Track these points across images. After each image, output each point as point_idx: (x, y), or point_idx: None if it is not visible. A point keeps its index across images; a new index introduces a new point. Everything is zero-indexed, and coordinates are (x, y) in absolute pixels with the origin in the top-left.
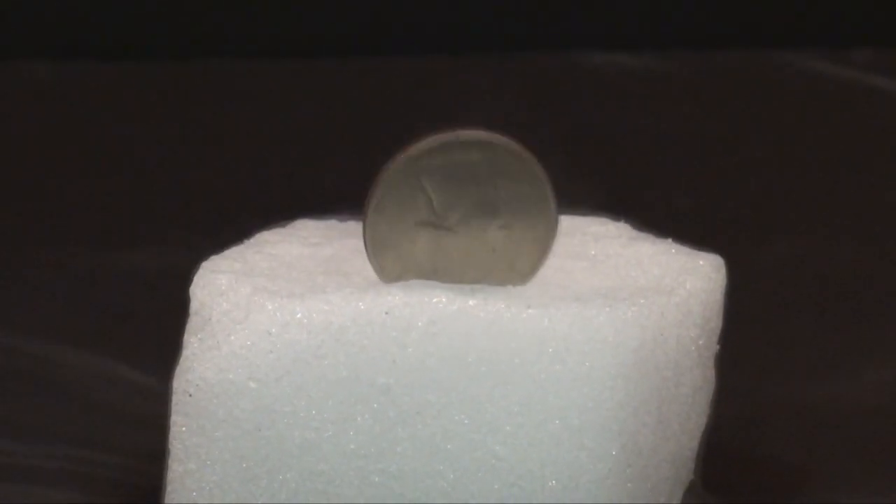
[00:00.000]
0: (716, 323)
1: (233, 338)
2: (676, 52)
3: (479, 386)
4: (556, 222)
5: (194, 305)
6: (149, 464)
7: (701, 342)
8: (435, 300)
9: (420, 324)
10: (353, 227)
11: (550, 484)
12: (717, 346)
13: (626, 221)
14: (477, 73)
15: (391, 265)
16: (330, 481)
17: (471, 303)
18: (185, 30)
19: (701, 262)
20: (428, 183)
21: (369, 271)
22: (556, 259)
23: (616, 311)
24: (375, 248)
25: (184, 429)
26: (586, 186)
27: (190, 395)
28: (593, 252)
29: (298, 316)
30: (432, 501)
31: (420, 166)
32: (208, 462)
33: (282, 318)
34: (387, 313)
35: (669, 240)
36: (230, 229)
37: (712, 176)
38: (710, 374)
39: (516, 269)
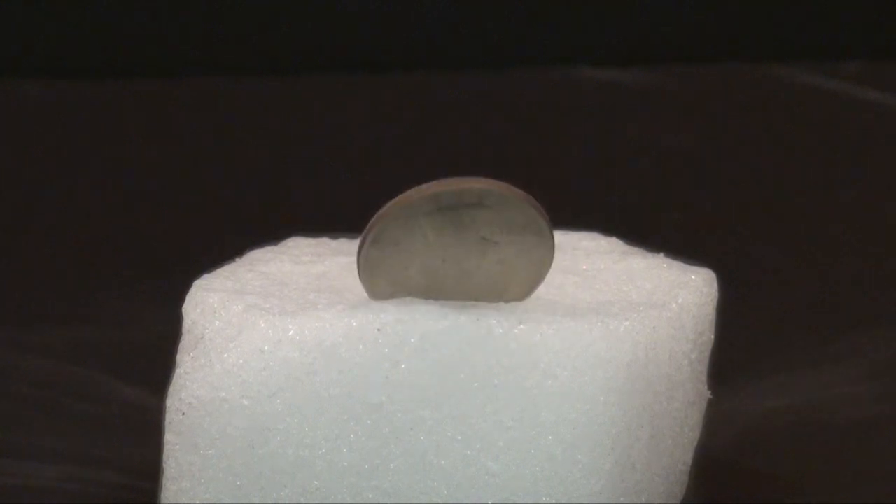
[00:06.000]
0: (708, 337)
1: (225, 356)
2: (667, 65)
3: (472, 402)
4: (551, 257)
5: (187, 324)
6: (143, 483)
7: (693, 356)
8: (427, 316)
9: (412, 340)
10: (345, 245)
11: (544, 500)
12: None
13: (618, 236)
14: (469, 89)
15: (383, 289)
16: (324, 498)
17: (462, 319)
18: (176, 48)
19: (693, 277)
20: (426, 222)
21: (361, 289)
22: (548, 274)
23: (608, 326)
24: (368, 274)
25: (177, 447)
26: (577, 201)
27: (183, 414)
28: (585, 267)
29: (291, 333)
30: None
31: (418, 210)
32: (202, 480)
33: (274, 336)
34: (379, 330)
35: (661, 254)
36: (222, 247)
37: (703, 190)
38: (703, 388)
39: (508, 296)
